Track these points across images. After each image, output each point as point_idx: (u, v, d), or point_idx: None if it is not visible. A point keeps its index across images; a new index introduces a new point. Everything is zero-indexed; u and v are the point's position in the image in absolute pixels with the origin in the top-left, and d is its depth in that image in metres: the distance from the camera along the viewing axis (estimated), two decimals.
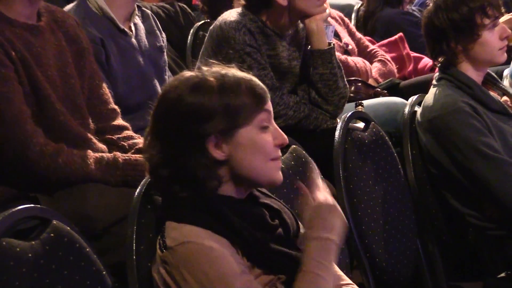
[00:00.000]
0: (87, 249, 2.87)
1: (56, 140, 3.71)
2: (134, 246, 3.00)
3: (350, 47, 5.77)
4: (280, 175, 3.03)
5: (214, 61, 3.07)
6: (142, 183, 3.25)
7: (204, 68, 2.99)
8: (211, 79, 2.89)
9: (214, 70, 2.98)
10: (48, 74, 3.79)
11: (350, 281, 3.30)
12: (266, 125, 2.96)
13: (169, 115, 2.91)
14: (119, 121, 4.06)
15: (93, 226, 3.25)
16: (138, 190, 3.20)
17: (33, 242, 2.71)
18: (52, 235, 2.77)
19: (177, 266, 2.79)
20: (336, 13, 5.87)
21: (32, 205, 2.91)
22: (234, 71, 2.99)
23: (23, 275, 2.63)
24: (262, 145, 2.94)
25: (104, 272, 2.90)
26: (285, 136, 3.09)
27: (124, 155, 3.82)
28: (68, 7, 4.34)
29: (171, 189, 2.92)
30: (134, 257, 2.99)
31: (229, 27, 4.75)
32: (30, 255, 2.67)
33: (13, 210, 2.72)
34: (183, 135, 2.88)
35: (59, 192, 3.59)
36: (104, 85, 4.09)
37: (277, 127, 3.05)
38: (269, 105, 3.04)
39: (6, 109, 3.63)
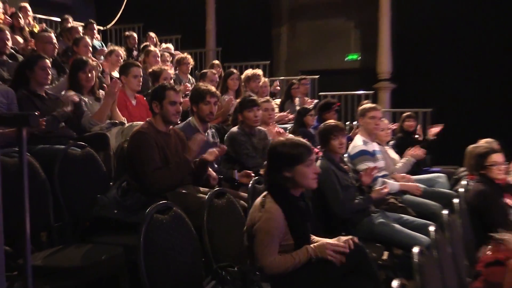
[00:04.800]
0: (186, 219, 2.80)
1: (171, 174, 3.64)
2: (205, 217, 2.92)
3: None
4: (315, 184, 2.93)
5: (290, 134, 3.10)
6: (211, 192, 3.16)
7: (287, 136, 3.08)
8: (287, 142, 2.89)
9: (289, 137, 3.05)
10: (171, 151, 3.73)
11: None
12: (310, 163, 2.85)
13: (272, 155, 2.90)
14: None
15: (188, 209, 3.01)
16: (209, 194, 3.11)
17: (166, 216, 2.65)
18: (173, 213, 2.71)
19: (260, 218, 2.73)
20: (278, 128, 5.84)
21: (165, 201, 2.83)
22: (298, 138, 2.98)
23: (163, 231, 2.57)
24: (308, 174, 2.84)
25: (192, 229, 2.82)
26: (318, 169, 3.04)
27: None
28: (181, 124, 4.36)
29: (272, 187, 2.86)
30: (205, 223, 2.90)
31: (234, 134, 4.71)
32: (164, 221, 2.62)
33: (159, 202, 2.68)
34: (277, 165, 2.85)
35: (173, 195, 3.50)
36: None
37: (315, 164, 2.99)
38: (313, 156, 2.90)
39: (151, 163, 3.54)
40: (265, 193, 2.87)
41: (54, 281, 3.01)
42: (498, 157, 4.38)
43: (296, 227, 2.79)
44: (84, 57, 5.16)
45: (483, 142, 4.71)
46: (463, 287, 3.12)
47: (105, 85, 5.33)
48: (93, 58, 6.60)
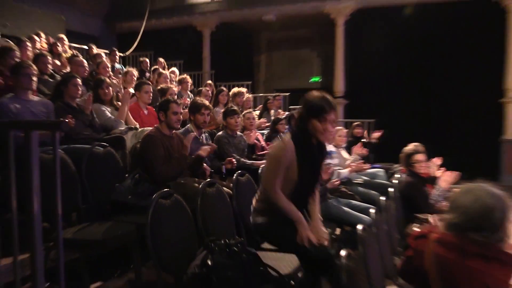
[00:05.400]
0: (184, 203, 2.77)
1: (173, 168, 3.60)
2: (199, 202, 2.89)
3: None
4: (326, 138, 2.52)
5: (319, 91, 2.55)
6: (204, 182, 3.09)
7: (316, 92, 2.54)
8: (321, 95, 2.50)
9: (316, 94, 2.53)
10: (174, 150, 3.69)
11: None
12: (324, 121, 2.45)
13: (302, 101, 2.52)
14: None
15: (186, 195, 2.98)
16: (202, 184, 3.06)
17: (168, 201, 2.63)
18: (174, 199, 2.69)
19: (276, 146, 2.52)
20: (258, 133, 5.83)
21: (167, 189, 2.79)
22: (319, 95, 2.52)
23: (166, 213, 2.55)
24: (318, 129, 2.44)
25: (189, 211, 2.78)
26: (331, 129, 2.51)
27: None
28: (182, 129, 4.28)
29: (294, 130, 2.55)
30: (199, 206, 2.87)
31: (220, 137, 4.66)
32: (167, 205, 2.59)
33: (163, 190, 2.65)
34: (301, 111, 2.53)
35: (174, 184, 3.44)
36: None
37: (330, 124, 2.48)
38: (330, 116, 2.47)
39: (158, 159, 3.52)
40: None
41: (81, 250, 2.99)
42: (420, 157, 4.42)
43: (303, 164, 2.48)
44: (102, 77, 5.13)
45: (411, 145, 4.74)
46: (395, 254, 3.15)
47: (119, 94, 5.31)
48: (113, 77, 6.54)
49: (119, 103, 5.05)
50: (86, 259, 3.08)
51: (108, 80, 5.06)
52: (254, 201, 2.77)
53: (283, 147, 2.47)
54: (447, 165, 5.21)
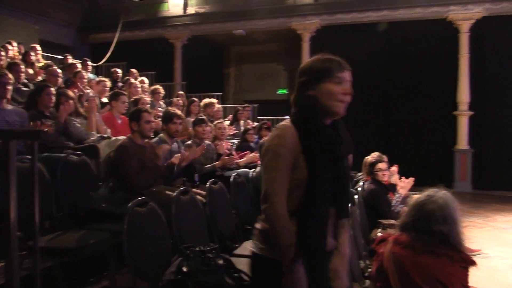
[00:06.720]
0: (159, 211, 2.70)
1: (146, 177, 3.53)
2: (173, 209, 2.84)
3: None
4: (341, 109, 1.67)
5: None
6: (178, 191, 3.05)
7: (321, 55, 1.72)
8: (319, 57, 1.71)
9: (320, 56, 1.74)
10: (146, 159, 3.61)
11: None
12: (339, 81, 1.63)
13: (299, 73, 1.73)
14: None
15: (160, 203, 2.94)
16: (176, 192, 3.02)
17: (144, 208, 2.57)
18: (149, 207, 2.63)
19: (268, 137, 1.68)
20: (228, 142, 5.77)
21: (143, 197, 2.74)
22: (320, 57, 1.74)
23: (141, 221, 2.50)
24: (334, 92, 1.63)
25: (164, 219, 2.72)
26: (349, 89, 1.67)
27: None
28: (155, 139, 4.21)
29: (293, 110, 1.68)
30: (173, 214, 2.82)
31: (189, 145, 4.54)
32: (142, 213, 2.53)
33: (138, 198, 2.60)
34: (301, 83, 1.69)
35: (148, 193, 3.35)
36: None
37: (348, 85, 1.68)
38: (345, 74, 1.68)
39: (131, 169, 3.42)
40: None
41: (55, 258, 2.89)
42: (382, 165, 4.52)
43: (311, 152, 1.58)
44: (62, 90, 4.73)
45: (374, 154, 4.84)
46: (360, 258, 3.19)
47: (85, 104, 5.07)
48: (87, 87, 6.40)
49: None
50: (61, 267, 2.98)
51: (69, 93, 4.71)
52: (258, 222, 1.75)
53: (278, 133, 1.63)
54: (404, 173, 5.33)
